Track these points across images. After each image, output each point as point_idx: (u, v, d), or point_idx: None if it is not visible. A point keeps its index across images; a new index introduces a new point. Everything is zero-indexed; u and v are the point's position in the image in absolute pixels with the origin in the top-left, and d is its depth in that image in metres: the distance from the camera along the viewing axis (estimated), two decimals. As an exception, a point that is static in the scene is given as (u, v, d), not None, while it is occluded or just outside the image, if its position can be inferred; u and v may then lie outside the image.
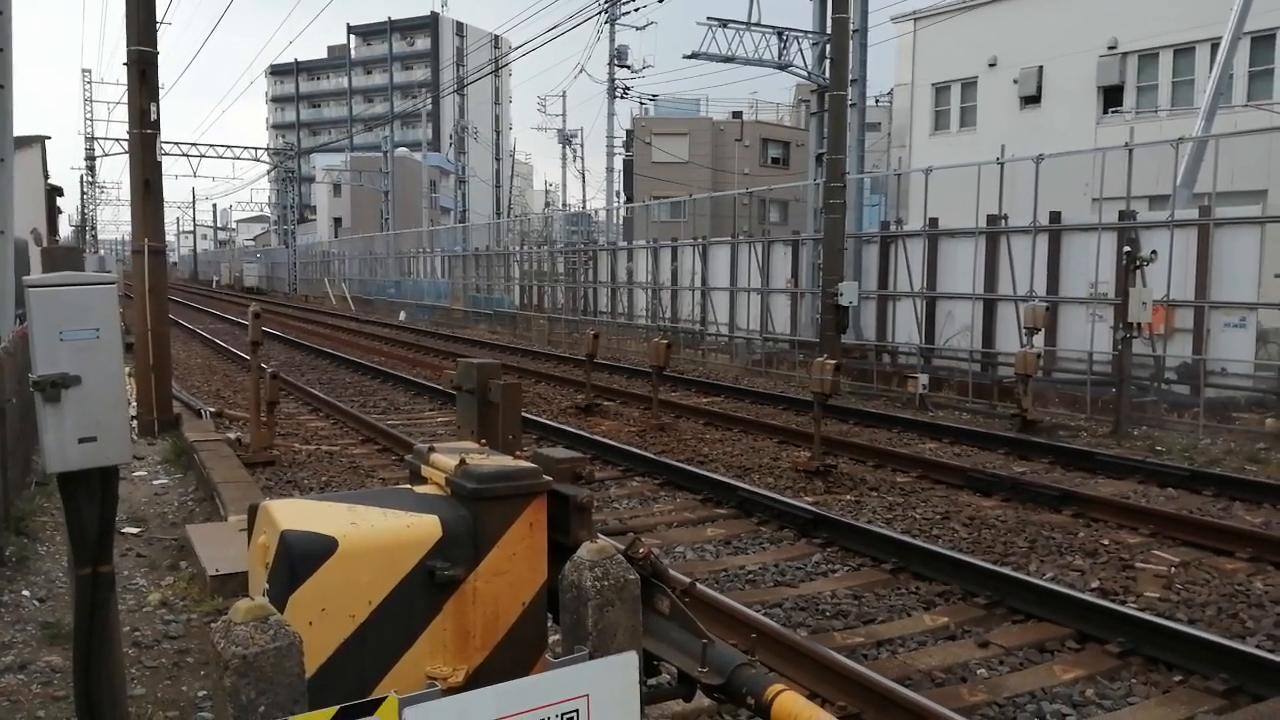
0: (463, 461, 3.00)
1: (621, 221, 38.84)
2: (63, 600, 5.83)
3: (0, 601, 5.82)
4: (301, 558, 2.59)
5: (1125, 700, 4.85)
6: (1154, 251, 12.66)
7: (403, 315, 38.59)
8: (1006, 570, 6.46)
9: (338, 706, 1.70)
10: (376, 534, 2.72)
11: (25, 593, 6.03)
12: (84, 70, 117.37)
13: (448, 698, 1.88)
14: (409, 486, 3.20)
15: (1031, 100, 27.32)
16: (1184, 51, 24.09)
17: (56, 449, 3.31)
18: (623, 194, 45.74)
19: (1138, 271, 12.30)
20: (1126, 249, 12.73)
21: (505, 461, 3.11)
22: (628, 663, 2.18)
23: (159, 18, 11.89)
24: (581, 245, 33.50)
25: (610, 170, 43.02)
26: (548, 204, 73.52)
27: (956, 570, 6.51)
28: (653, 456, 10.27)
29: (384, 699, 1.74)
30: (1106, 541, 7.59)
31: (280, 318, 34.22)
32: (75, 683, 3.54)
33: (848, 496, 9.07)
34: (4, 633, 5.36)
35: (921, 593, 6.41)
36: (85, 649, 3.50)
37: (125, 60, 11.51)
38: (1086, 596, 5.94)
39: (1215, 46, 18.18)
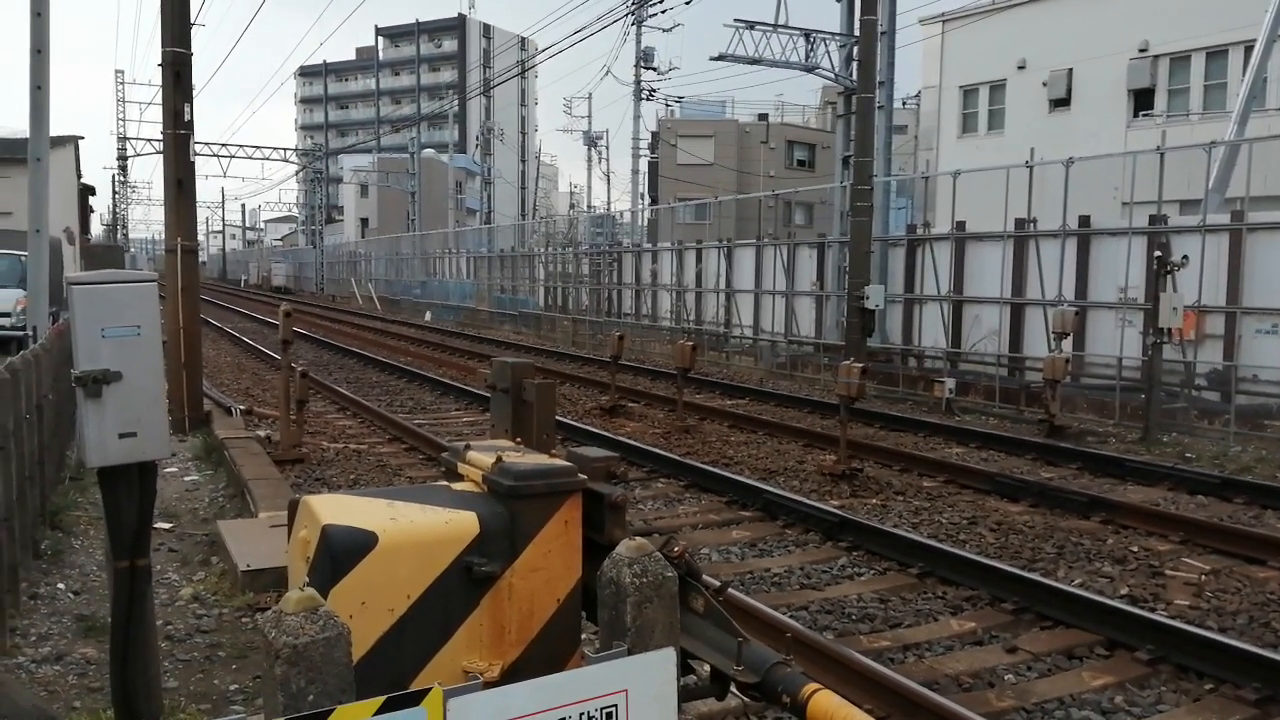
0: (499, 459, 3.03)
1: (646, 223, 38.86)
2: (97, 593, 5.92)
3: (37, 594, 5.91)
4: (342, 552, 2.63)
5: (1155, 708, 4.82)
6: (1185, 256, 12.54)
7: (428, 315, 38.78)
8: (1034, 576, 6.43)
9: (384, 696, 1.73)
10: (415, 529, 2.75)
11: (60, 586, 6.13)
12: (117, 71, 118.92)
13: (490, 690, 1.90)
14: (446, 483, 3.23)
15: (1061, 103, 27.08)
16: (1216, 54, 23.80)
17: (97, 444, 3.37)
18: (647, 196, 45.79)
19: (1168, 276, 12.19)
20: (1157, 253, 12.62)
21: (541, 459, 3.14)
22: (666, 659, 2.20)
23: (192, 19, 12.03)
24: (606, 247, 33.53)
25: (635, 172, 43.11)
26: (573, 205, 73.74)
27: (984, 575, 6.48)
28: (678, 458, 10.28)
29: (429, 690, 1.76)
30: (1136, 548, 7.53)
31: (308, 317, 34.45)
32: (112, 674, 3.60)
33: (874, 500, 9.04)
34: (41, 624, 5.45)
35: (948, 598, 6.39)
36: (122, 641, 3.55)
37: (160, 61, 11.66)
38: (1115, 603, 5.91)
39: (1249, 49, 17.96)
